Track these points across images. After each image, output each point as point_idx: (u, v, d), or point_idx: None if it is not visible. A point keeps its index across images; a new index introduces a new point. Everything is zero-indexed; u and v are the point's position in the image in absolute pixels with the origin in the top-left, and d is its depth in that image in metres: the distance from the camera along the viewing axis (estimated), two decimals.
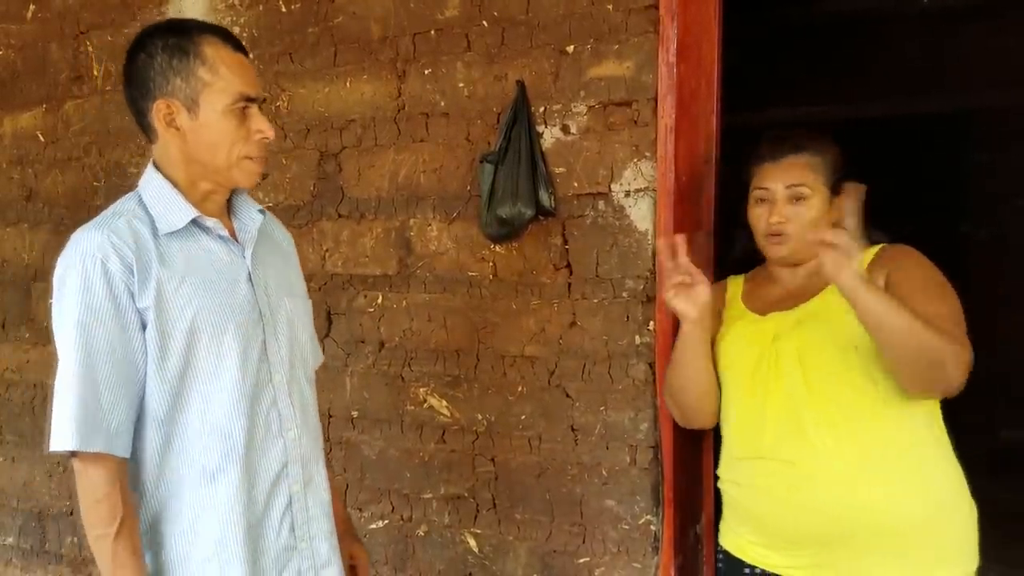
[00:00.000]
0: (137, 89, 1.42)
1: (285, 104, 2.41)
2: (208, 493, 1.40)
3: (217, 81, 1.39)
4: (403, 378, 2.31)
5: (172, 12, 2.56)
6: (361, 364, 2.36)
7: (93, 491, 1.33)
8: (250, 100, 1.42)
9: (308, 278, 2.36)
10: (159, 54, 1.39)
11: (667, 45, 1.91)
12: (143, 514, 1.40)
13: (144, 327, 1.36)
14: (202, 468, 1.39)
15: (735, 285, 1.88)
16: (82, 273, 1.33)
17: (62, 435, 1.32)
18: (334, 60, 2.34)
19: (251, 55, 2.40)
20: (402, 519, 2.34)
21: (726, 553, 1.78)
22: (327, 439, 2.41)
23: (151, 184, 1.44)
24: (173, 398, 1.38)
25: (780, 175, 1.70)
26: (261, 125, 1.44)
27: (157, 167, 1.46)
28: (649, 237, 1.99)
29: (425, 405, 2.29)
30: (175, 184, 1.44)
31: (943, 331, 1.49)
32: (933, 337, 1.46)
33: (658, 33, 1.92)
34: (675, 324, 1.96)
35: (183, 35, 1.41)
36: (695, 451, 2.12)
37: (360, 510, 2.39)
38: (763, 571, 1.69)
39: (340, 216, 2.37)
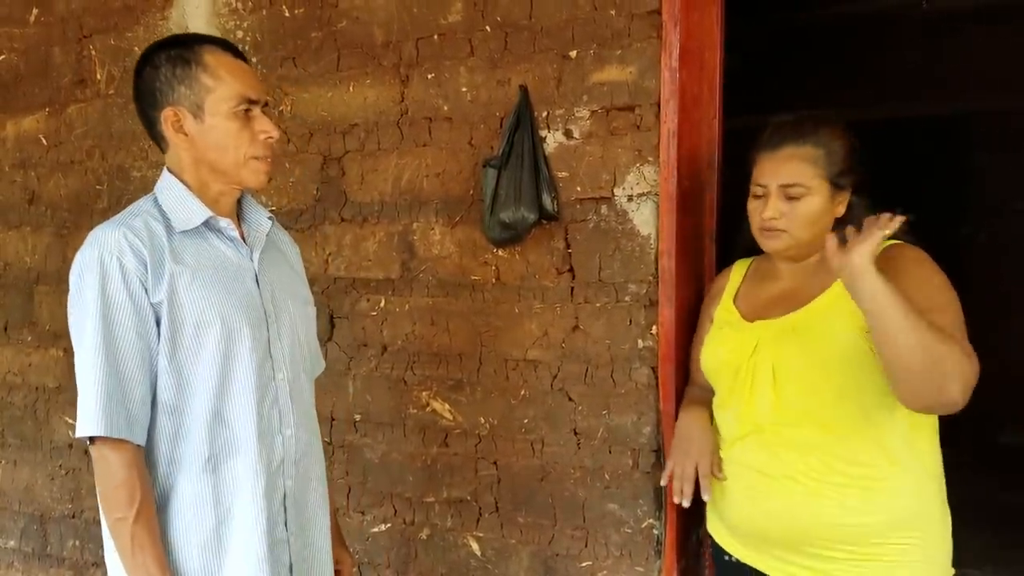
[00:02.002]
0: (146, 101, 1.50)
1: (288, 108, 2.41)
2: (211, 481, 1.46)
3: (219, 86, 1.46)
4: (406, 382, 2.31)
5: (175, 16, 2.57)
6: (364, 368, 2.37)
7: (113, 476, 1.39)
8: (252, 102, 1.49)
9: (311, 282, 2.36)
10: (164, 65, 1.47)
11: (669, 50, 1.92)
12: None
13: (158, 320, 1.42)
14: (207, 457, 1.46)
15: (738, 272, 1.84)
16: (100, 268, 1.39)
17: (87, 421, 1.38)
18: (337, 64, 2.34)
19: (254, 60, 2.44)
20: (404, 523, 2.35)
21: (712, 540, 1.82)
22: (330, 442, 2.41)
23: (167, 187, 1.52)
24: (183, 388, 1.44)
25: (775, 170, 1.64)
26: (265, 126, 1.51)
27: (171, 172, 1.53)
28: (652, 241, 1.99)
29: (428, 408, 2.29)
30: (188, 187, 1.51)
31: (953, 346, 1.41)
32: (946, 353, 1.38)
33: (660, 38, 1.93)
34: (678, 328, 1.97)
35: (185, 46, 1.49)
36: None
37: (363, 513, 2.40)
38: (738, 561, 1.73)
39: (343, 220, 2.37)
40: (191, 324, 1.43)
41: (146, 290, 1.41)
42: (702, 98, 2.04)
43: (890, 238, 1.59)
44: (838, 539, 1.57)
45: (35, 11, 2.86)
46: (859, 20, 4.79)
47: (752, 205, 1.71)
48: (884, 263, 1.55)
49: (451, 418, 2.26)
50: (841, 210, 1.66)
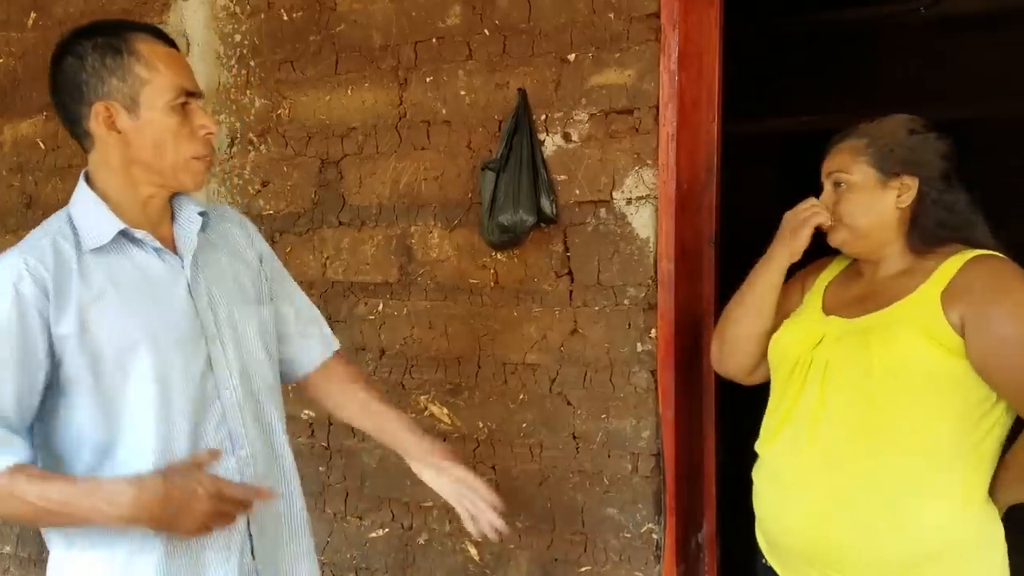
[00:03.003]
0: (68, 94, 1.34)
1: (286, 112, 2.41)
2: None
3: (156, 77, 1.33)
4: (404, 386, 2.30)
5: (173, 21, 2.57)
6: (362, 372, 2.36)
7: None
8: (190, 95, 1.37)
9: (308, 286, 2.37)
10: (90, 55, 1.32)
11: (668, 53, 1.91)
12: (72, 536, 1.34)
13: (55, 354, 1.29)
14: None
15: (837, 266, 1.77)
16: None
17: None
18: (335, 68, 2.34)
19: (252, 63, 2.44)
20: (402, 527, 2.33)
21: (758, 545, 1.75)
22: (327, 447, 2.40)
23: (79, 198, 1.38)
24: (113, 423, 1.32)
25: (826, 166, 1.65)
26: (204, 120, 1.38)
27: (88, 179, 1.39)
28: (651, 245, 1.99)
29: (426, 413, 2.28)
30: (113, 192, 1.37)
31: None
32: None
33: (659, 41, 1.93)
34: (677, 331, 1.97)
35: (113, 34, 1.34)
36: (697, 459, 2.12)
37: (360, 518, 2.39)
38: (769, 566, 1.69)
39: (341, 224, 2.37)
40: (111, 352, 1.29)
41: (46, 320, 1.27)
42: (701, 101, 2.03)
43: (958, 240, 1.56)
44: (857, 562, 1.50)
45: (33, 15, 2.85)
46: (858, 26, 4.79)
47: None
48: (960, 289, 1.49)
49: (449, 422, 2.25)
50: (905, 200, 1.57)
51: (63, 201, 2.79)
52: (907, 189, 1.58)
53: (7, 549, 3.02)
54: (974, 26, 4.68)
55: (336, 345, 1.69)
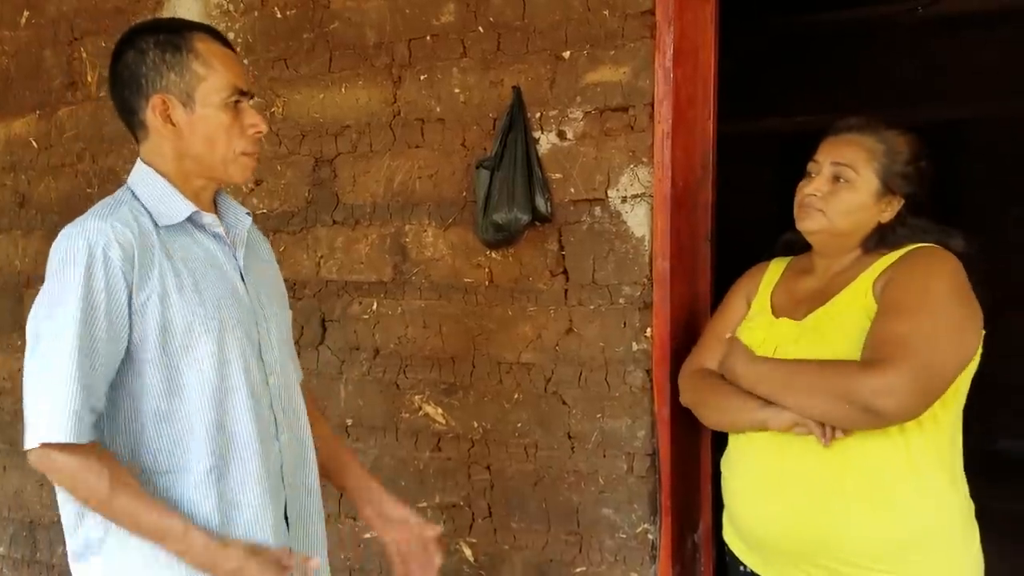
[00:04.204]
0: (127, 87, 1.41)
1: (280, 110, 2.40)
2: (215, 493, 1.37)
3: (211, 75, 1.39)
4: (398, 385, 2.29)
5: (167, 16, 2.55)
6: (356, 371, 2.34)
7: (71, 472, 1.28)
8: (242, 94, 1.43)
9: (302, 285, 2.35)
10: (152, 50, 1.38)
11: (664, 50, 1.90)
12: None
13: (131, 319, 1.32)
14: (209, 468, 1.37)
15: (776, 269, 1.81)
16: (87, 259, 1.29)
17: (53, 428, 1.26)
18: (329, 66, 2.32)
19: (246, 61, 2.42)
20: None
21: (728, 549, 1.76)
22: None
23: (144, 180, 1.42)
24: (175, 393, 1.36)
25: (832, 149, 1.63)
26: (254, 119, 1.44)
27: (147, 164, 1.44)
28: (646, 243, 1.97)
29: (420, 413, 2.27)
30: (168, 180, 1.42)
31: (852, 365, 1.46)
32: (832, 385, 1.46)
33: (655, 38, 1.92)
34: (673, 330, 1.95)
35: (174, 32, 1.40)
36: (693, 459, 2.11)
37: (354, 519, 2.37)
38: (753, 572, 1.69)
39: (335, 222, 2.35)
40: (182, 325, 1.34)
41: (130, 286, 1.31)
42: (696, 98, 2.02)
43: (929, 242, 1.61)
44: (851, 552, 1.50)
45: (26, 13, 2.84)
46: (853, 26, 4.79)
47: (802, 183, 1.68)
48: (898, 263, 1.57)
49: (444, 422, 2.24)
50: (887, 216, 1.63)
51: (56, 200, 2.81)
52: (893, 208, 1.63)
53: (0, 550, 3.01)
54: (972, 25, 4.68)
55: (300, 376, 1.70)
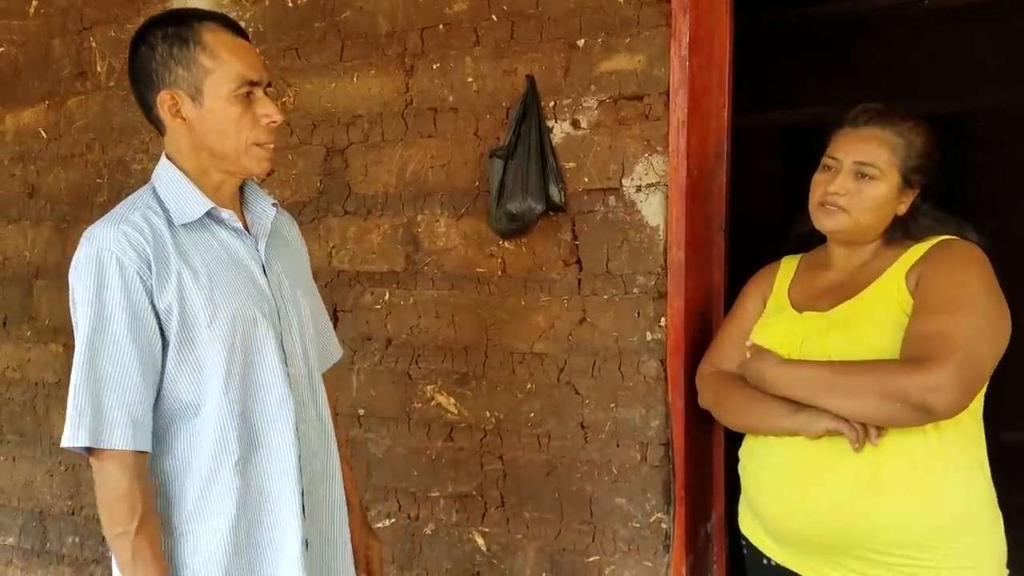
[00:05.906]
0: (142, 83, 1.41)
1: (291, 100, 2.39)
2: (240, 482, 1.40)
3: (219, 67, 1.38)
4: (410, 375, 2.29)
5: (178, 6, 2.54)
6: (368, 361, 2.34)
7: (114, 488, 1.32)
8: (254, 84, 1.41)
9: (315, 275, 2.33)
10: (160, 45, 1.38)
11: (679, 39, 1.90)
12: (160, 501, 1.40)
13: (161, 322, 1.35)
14: (236, 459, 1.39)
15: (788, 267, 1.81)
16: (97, 269, 1.32)
17: (73, 431, 1.32)
18: (341, 55, 2.32)
19: (257, 50, 2.41)
20: (409, 518, 2.32)
21: (748, 541, 1.75)
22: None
23: (165, 176, 1.43)
24: (203, 388, 1.38)
25: (854, 147, 1.62)
26: (268, 109, 1.42)
27: (170, 159, 1.45)
28: (660, 232, 1.97)
29: (433, 403, 2.27)
30: (187, 175, 1.43)
31: (899, 364, 1.46)
32: (881, 385, 1.45)
33: (670, 27, 1.91)
34: (687, 320, 1.95)
35: (183, 24, 1.39)
36: (706, 448, 2.11)
37: (366, 509, 2.37)
38: (778, 565, 1.67)
39: (347, 212, 2.35)
40: (205, 322, 1.36)
41: (149, 291, 1.34)
42: (711, 87, 2.02)
43: (949, 234, 1.62)
44: (888, 542, 1.51)
45: (35, 3, 2.83)
46: (859, 17, 4.78)
47: (818, 177, 1.67)
48: (924, 262, 1.57)
49: (456, 412, 2.24)
50: (903, 208, 1.63)
51: (66, 191, 2.81)
52: (909, 199, 1.64)
53: (10, 540, 3.01)
54: (978, 17, 4.67)
55: (341, 353, 1.75)
